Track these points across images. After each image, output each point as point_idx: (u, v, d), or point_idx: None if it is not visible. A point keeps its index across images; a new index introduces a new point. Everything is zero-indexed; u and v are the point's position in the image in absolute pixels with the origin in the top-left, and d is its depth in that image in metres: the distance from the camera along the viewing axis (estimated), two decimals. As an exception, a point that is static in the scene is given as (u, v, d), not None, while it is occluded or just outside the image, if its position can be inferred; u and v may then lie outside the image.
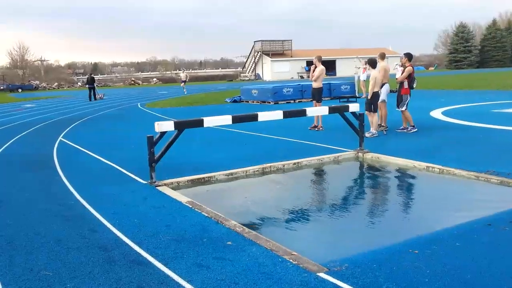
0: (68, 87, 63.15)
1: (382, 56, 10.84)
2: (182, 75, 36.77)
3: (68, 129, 14.33)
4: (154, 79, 72.97)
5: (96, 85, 33.05)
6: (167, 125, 6.48)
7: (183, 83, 35.25)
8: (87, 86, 31.98)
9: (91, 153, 9.37)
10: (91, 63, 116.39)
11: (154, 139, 6.46)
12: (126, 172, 7.38)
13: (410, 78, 10.31)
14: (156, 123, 6.41)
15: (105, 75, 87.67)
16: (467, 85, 28.43)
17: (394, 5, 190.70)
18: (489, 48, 79.96)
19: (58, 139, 11.76)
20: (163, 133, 6.48)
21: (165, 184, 6.43)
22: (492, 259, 3.62)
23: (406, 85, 10.32)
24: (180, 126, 6.60)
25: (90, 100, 29.94)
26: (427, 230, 4.42)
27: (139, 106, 23.85)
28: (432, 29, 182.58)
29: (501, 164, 6.78)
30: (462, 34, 79.24)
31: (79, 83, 67.55)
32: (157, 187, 6.28)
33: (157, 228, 4.67)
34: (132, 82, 71.63)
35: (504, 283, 3.24)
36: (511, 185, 5.81)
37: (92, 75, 33.53)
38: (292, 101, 21.22)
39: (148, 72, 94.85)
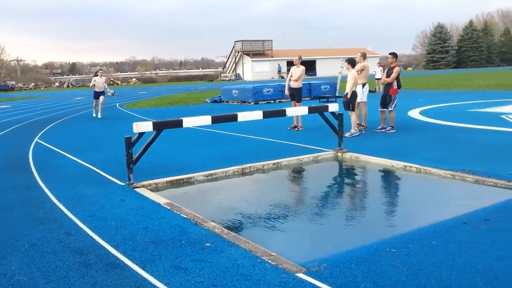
0: (45, 87, 62.01)
1: (364, 56, 10.95)
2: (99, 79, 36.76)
3: (44, 130, 14.08)
4: (133, 79, 72.21)
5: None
6: (145, 126, 6.41)
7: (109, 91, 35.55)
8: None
9: (68, 154, 9.22)
10: (69, 63, 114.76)
11: (132, 140, 6.38)
12: (103, 173, 7.27)
13: (398, 78, 10.46)
14: (134, 124, 6.33)
15: (83, 75, 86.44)
16: (445, 85, 28.91)
17: (374, 6, 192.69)
18: (466, 49, 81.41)
19: (34, 141, 11.54)
20: (141, 134, 6.40)
21: (143, 186, 6.36)
22: (468, 257, 3.67)
23: (395, 85, 10.44)
24: (158, 127, 6.53)
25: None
26: (405, 228, 4.46)
27: (117, 106, 23.58)
28: (410, 30, 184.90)
29: (476, 163, 6.90)
30: (439, 35, 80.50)
31: (56, 83, 66.43)
32: (135, 189, 6.20)
33: (134, 230, 4.61)
34: (111, 82, 70.81)
35: (480, 280, 3.28)
36: (486, 184, 5.91)
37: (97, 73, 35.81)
38: (272, 101, 21.26)
39: (127, 72, 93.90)
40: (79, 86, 62.68)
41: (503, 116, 12.34)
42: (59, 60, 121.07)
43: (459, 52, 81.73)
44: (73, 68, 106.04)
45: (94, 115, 17.37)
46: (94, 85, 17.51)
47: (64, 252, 4.11)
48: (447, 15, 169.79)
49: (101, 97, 17.30)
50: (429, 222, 4.56)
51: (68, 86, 61.73)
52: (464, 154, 7.68)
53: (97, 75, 17.78)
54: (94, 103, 17.82)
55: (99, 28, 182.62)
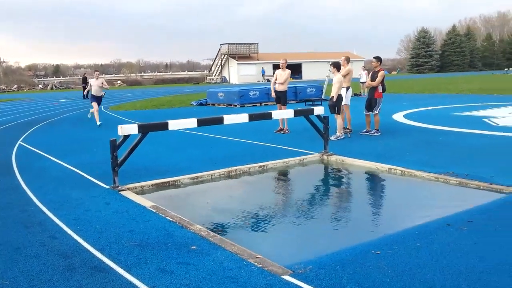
0: (28, 89, 61.23)
1: (348, 60, 11.04)
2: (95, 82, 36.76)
3: (28, 132, 13.90)
4: (119, 82, 71.66)
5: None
6: (130, 128, 6.38)
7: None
8: (82, 85, 35.12)
9: (52, 157, 9.11)
10: (53, 65, 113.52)
11: (117, 143, 6.34)
12: (88, 176, 7.21)
13: (382, 82, 10.57)
14: (119, 126, 6.29)
15: (67, 77, 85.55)
16: (428, 89, 29.26)
17: (359, 11, 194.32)
18: (449, 53, 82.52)
19: (17, 143, 11.39)
20: (126, 137, 6.36)
21: (128, 189, 6.32)
22: (451, 258, 3.73)
23: (380, 89, 10.54)
24: (144, 130, 6.50)
25: (84, 98, 31.64)
26: (389, 230, 4.50)
27: (102, 109, 23.38)
28: (395, 34, 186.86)
29: (459, 165, 7.00)
30: (423, 39, 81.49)
31: (40, 86, 65.63)
32: (120, 192, 6.16)
33: (119, 233, 4.58)
34: (83, 85, 70.05)
35: (463, 281, 3.33)
36: (469, 186, 6.00)
37: (85, 75, 37.48)
38: (258, 104, 21.30)
39: (112, 74, 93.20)
40: (63, 89, 62.03)
41: (486, 120, 12.53)
42: (43, 62, 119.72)
43: (443, 56, 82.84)
44: (57, 70, 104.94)
45: (98, 123, 14.68)
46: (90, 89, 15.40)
47: (48, 256, 4.07)
48: (431, 20, 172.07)
49: (95, 103, 14.83)
50: (413, 224, 4.61)
51: (52, 88, 61.03)
52: (448, 157, 7.78)
53: (93, 77, 15.69)
54: (94, 108, 15.08)
55: (83, 30, 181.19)
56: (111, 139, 6.32)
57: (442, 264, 3.63)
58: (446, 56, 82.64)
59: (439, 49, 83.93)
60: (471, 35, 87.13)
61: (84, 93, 33.46)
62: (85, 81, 33.92)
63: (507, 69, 61.36)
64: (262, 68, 63.33)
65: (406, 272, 3.50)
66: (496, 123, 11.82)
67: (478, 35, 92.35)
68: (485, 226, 4.43)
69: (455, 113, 14.62)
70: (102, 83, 14.71)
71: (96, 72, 15.61)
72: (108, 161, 6.50)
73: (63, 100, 32.56)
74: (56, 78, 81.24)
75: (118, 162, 6.39)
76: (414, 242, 4.08)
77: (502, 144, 8.94)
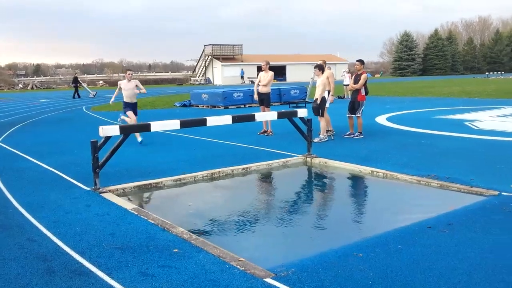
0: (8, 89, 60.18)
1: (325, 63, 11.12)
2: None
3: (7, 133, 13.65)
4: (101, 82, 70.91)
5: (79, 85, 35.64)
6: (112, 130, 6.30)
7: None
8: (72, 85, 36.17)
9: (32, 158, 8.96)
10: (33, 64, 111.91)
11: (99, 144, 6.26)
12: (68, 178, 7.10)
13: (365, 84, 10.64)
14: (100, 127, 6.21)
15: (48, 77, 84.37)
16: (411, 92, 29.59)
17: (343, 14, 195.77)
18: (431, 57, 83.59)
19: (-4, 144, 11.18)
20: (107, 138, 6.29)
21: (109, 191, 6.24)
22: (432, 261, 3.76)
23: (363, 91, 10.62)
24: (125, 131, 6.44)
25: (74, 97, 33.08)
26: (372, 233, 4.53)
27: (84, 109, 23.12)
28: (378, 37, 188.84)
29: (441, 168, 7.08)
30: (406, 43, 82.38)
31: (20, 85, 64.58)
32: (101, 194, 6.08)
33: (100, 236, 4.52)
34: (72, 85, 69.31)
35: (443, 283, 3.36)
36: (450, 189, 6.07)
37: (75, 75, 37.66)
38: (242, 106, 21.28)
39: (94, 74, 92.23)
40: (44, 88, 61.15)
41: (467, 123, 12.71)
42: (23, 61, 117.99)
43: (425, 60, 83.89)
44: (37, 70, 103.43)
45: (139, 139, 10.46)
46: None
47: (27, 259, 3.99)
48: (413, 24, 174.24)
49: (131, 113, 10.81)
50: (395, 226, 4.65)
51: (32, 88, 60.10)
52: (429, 159, 7.87)
53: (124, 79, 11.22)
54: (130, 119, 10.74)
55: (65, 29, 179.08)
56: (92, 140, 6.24)
57: (423, 266, 3.66)
58: (428, 60, 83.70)
59: (422, 52, 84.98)
60: (453, 39, 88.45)
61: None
62: (75, 81, 34.85)
63: (488, 73, 62.42)
64: (241, 69, 63.17)
65: (387, 274, 3.52)
66: (477, 127, 12.00)
67: (459, 39, 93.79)
68: (466, 229, 4.48)
69: (437, 116, 14.80)
70: (136, 85, 10.83)
71: (128, 72, 11.14)
72: (89, 163, 6.41)
73: (43, 100, 32.10)
74: (37, 78, 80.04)
75: (99, 163, 6.31)
76: (396, 245, 4.11)
77: (482, 147, 9.07)
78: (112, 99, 11.40)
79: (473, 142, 9.62)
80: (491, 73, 62.58)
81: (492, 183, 6.06)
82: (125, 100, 10.93)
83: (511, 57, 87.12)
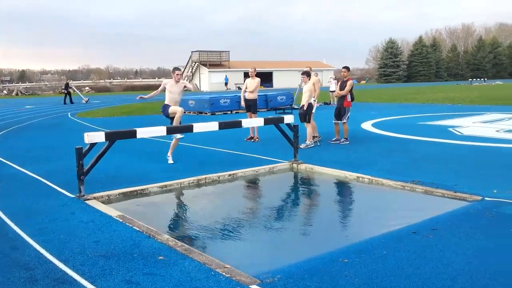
0: (-8, 95, 59.46)
1: (310, 70, 11.19)
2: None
3: (-10, 139, 13.46)
4: (87, 88, 70.34)
5: (70, 90, 35.52)
6: (97, 136, 6.25)
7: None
8: (64, 91, 35.93)
9: (15, 165, 8.84)
10: (19, 70, 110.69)
11: (83, 151, 6.20)
12: (52, 185, 7.02)
13: (351, 91, 10.73)
14: (85, 134, 6.16)
15: (33, 83, 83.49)
16: (396, 99, 29.88)
17: (329, 21, 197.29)
18: (416, 64, 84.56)
19: (-21, 151, 11.01)
20: (93, 145, 6.24)
21: (94, 198, 6.18)
22: (416, 266, 3.78)
23: (349, 98, 10.69)
24: (111, 137, 6.39)
25: (65, 103, 33.38)
26: (357, 239, 4.55)
27: (69, 116, 22.92)
28: (363, 44, 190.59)
29: (425, 173, 7.15)
30: (391, 50, 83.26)
31: (4, 91, 63.76)
32: (86, 201, 6.02)
33: (84, 244, 4.47)
34: (63, 91, 68.81)
35: (427, 288, 3.38)
36: (434, 194, 6.13)
37: (67, 81, 37.47)
38: (229, 112, 21.27)
39: (80, 80, 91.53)
40: (29, 94, 60.47)
41: (451, 129, 12.87)
42: (8, 67, 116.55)
43: (410, 66, 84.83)
44: (22, 76, 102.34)
45: (169, 157, 8.89)
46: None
47: (9, 268, 3.93)
48: (398, 31, 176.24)
49: (179, 111, 8.65)
50: (380, 232, 4.67)
51: (17, 94, 59.37)
52: (414, 165, 7.94)
53: (170, 78, 9.24)
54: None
55: (51, 35, 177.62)
56: (77, 147, 6.18)
57: (407, 271, 3.68)
58: (413, 67, 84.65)
59: (406, 59, 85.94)
60: (437, 46, 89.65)
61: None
62: (67, 87, 34.98)
63: (471, 79, 63.32)
64: (226, 76, 63.18)
65: (372, 280, 3.53)
66: (460, 133, 12.15)
67: (443, 46, 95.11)
68: (450, 234, 4.52)
69: (421, 122, 14.95)
70: (185, 86, 9.00)
71: (177, 72, 8.78)
72: (74, 170, 6.35)
73: (28, 107, 31.75)
74: (22, 84, 79.18)
75: (84, 170, 6.26)
76: (381, 250, 4.13)
77: (466, 153, 9.19)
78: (146, 96, 9.41)
79: (457, 148, 9.73)
80: (474, 79, 63.49)
81: (475, 188, 6.13)
82: (168, 103, 8.87)
83: (493, 64, 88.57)
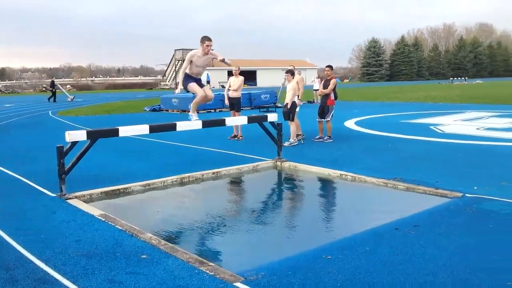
0: (-29, 93, 58.33)
1: (294, 69, 11.24)
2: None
3: (-31, 138, 13.20)
4: (68, 86, 69.43)
5: (56, 88, 35.51)
6: (78, 135, 6.17)
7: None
8: (50, 89, 36.38)
9: (-5, 164, 8.69)
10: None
11: (65, 150, 6.12)
12: (33, 184, 6.92)
13: (334, 89, 10.80)
14: (66, 133, 6.07)
15: (13, 81, 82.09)
16: (379, 97, 30.16)
17: (313, 20, 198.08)
18: (398, 63, 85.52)
19: (-43, 150, 10.79)
20: (74, 143, 6.16)
21: (76, 197, 6.11)
22: (399, 262, 3.82)
23: (332, 96, 10.76)
24: (93, 136, 6.31)
25: (49, 101, 33.43)
26: (340, 235, 4.58)
27: (50, 114, 22.60)
28: (347, 44, 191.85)
29: (407, 171, 7.22)
30: (373, 49, 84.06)
31: (-17, 89, 62.63)
32: (67, 200, 5.94)
33: (66, 243, 4.41)
34: (43, 89, 67.80)
35: (409, 283, 3.42)
36: (416, 191, 6.20)
37: (53, 80, 37.12)
38: (213, 110, 21.22)
39: (61, 78, 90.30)
40: (9, 93, 59.47)
41: (432, 127, 13.03)
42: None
43: (392, 65, 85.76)
44: (2, 74, 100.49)
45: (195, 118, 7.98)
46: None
47: (-12, 269, 3.86)
48: (381, 30, 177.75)
49: (210, 95, 7.99)
50: (363, 228, 4.71)
51: (-4, 92, 58.39)
52: (396, 163, 8.02)
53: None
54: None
55: (31, 33, 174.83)
56: (58, 145, 6.10)
57: (390, 267, 3.72)
58: (395, 66, 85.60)
59: (389, 58, 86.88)
60: (419, 46, 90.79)
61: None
62: (53, 85, 34.98)
63: (452, 78, 64.24)
64: (207, 74, 62.94)
65: (355, 276, 3.56)
66: (441, 130, 12.31)
67: (425, 45, 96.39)
68: (431, 230, 4.58)
69: (403, 121, 15.12)
70: (213, 59, 7.88)
71: (207, 43, 7.48)
72: (55, 169, 6.26)
73: (8, 105, 31.23)
74: (1, 82, 77.79)
75: (66, 169, 6.17)
76: (364, 247, 4.16)
77: (447, 150, 9.31)
78: (178, 90, 8.01)
79: (438, 146, 9.86)
80: (455, 78, 64.45)
81: (456, 185, 6.22)
82: (191, 74, 7.74)
83: (474, 64, 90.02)
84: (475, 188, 6.07)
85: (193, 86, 7.48)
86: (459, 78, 66.79)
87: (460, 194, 5.78)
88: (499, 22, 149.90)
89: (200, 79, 7.83)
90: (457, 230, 4.57)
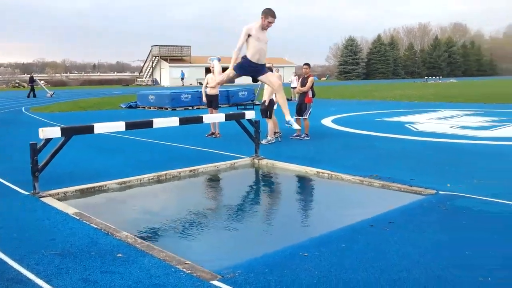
0: None
1: (272, 66, 11.28)
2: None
3: None
4: (42, 82, 68.04)
5: (35, 84, 35.51)
6: (52, 132, 6.06)
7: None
8: (28, 84, 35.91)
9: (-35, 162, 8.46)
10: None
11: (38, 147, 6.00)
12: (5, 182, 6.76)
13: (312, 87, 10.87)
14: (40, 129, 5.96)
15: (-16, 76, 79.90)
16: (355, 95, 30.47)
17: (291, 17, 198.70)
18: (374, 61, 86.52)
19: None
20: (48, 140, 6.04)
21: (50, 195, 5.99)
22: (374, 258, 3.87)
23: (310, 94, 10.81)
24: (67, 133, 6.20)
25: (28, 97, 32.93)
26: (317, 232, 4.61)
27: (23, 110, 22.11)
28: (324, 42, 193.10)
29: (383, 168, 7.33)
30: (350, 47, 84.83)
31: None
32: (41, 198, 5.83)
33: (39, 242, 4.33)
34: (17, 84, 66.25)
35: (384, 279, 3.47)
36: (391, 189, 6.29)
37: (32, 75, 37.50)
38: (190, 108, 21.11)
39: (35, 74, 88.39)
40: (-21, 88, 57.91)
41: (407, 125, 13.24)
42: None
43: (369, 64, 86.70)
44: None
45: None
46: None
47: (-43, 269, 3.76)
48: (358, 29, 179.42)
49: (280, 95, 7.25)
50: (340, 225, 4.76)
51: (-34, 88, 56.77)
52: (372, 160, 8.12)
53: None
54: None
55: (2, 26, 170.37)
56: (31, 142, 5.97)
57: (365, 264, 3.76)
58: (371, 64, 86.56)
59: (365, 57, 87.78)
60: (395, 45, 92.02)
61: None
62: (32, 81, 34.93)
63: (427, 77, 65.36)
64: (181, 71, 62.57)
65: (331, 272, 3.60)
66: (416, 129, 12.52)
67: (401, 44, 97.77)
68: (405, 227, 4.66)
69: (379, 119, 15.31)
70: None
71: (270, 19, 6.40)
72: (28, 166, 6.13)
73: (-21, 101, 30.41)
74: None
75: (39, 167, 6.05)
76: (340, 243, 4.20)
77: (421, 148, 9.47)
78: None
79: (413, 144, 10.02)
80: (430, 77, 65.57)
81: (430, 182, 6.34)
82: (251, 56, 6.44)
83: (448, 63, 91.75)
84: (449, 185, 6.19)
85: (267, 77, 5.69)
86: (433, 77, 68.00)
87: (434, 191, 5.90)
88: (472, 23, 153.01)
89: (263, 66, 6.31)
90: (430, 226, 4.66)
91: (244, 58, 6.38)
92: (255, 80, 6.56)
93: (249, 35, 6.20)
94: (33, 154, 5.96)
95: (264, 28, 6.30)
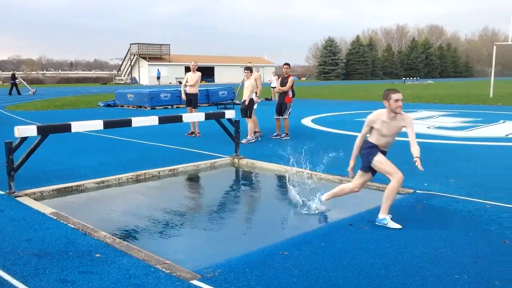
0: None
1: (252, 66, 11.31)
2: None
3: None
4: (17, 79, 66.68)
5: (17, 81, 34.98)
6: (28, 130, 5.94)
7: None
8: (10, 82, 35.32)
9: None
10: None
11: (14, 145, 5.88)
12: (-20, 182, 6.60)
13: (292, 87, 10.91)
14: (15, 128, 5.84)
15: (-43, 73, 77.92)
16: (335, 95, 30.70)
17: (271, 17, 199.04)
18: (353, 62, 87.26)
19: None
20: (24, 139, 5.92)
21: (26, 195, 5.88)
22: (353, 256, 3.92)
23: (290, 94, 10.85)
24: (43, 131, 6.10)
25: (10, 94, 32.92)
26: (297, 231, 4.63)
27: (-1, 108, 21.63)
28: (304, 42, 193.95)
29: (361, 168, 7.38)
30: (330, 48, 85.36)
31: None
32: (16, 198, 5.71)
33: (15, 243, 4.24)
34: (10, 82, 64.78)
35: (363, 277, 3.51)
36: (370, 188, 6.36)
37: (13, 72, 36.49)
38: (170, 107, 20.96)
39: (10, 71, 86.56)
40: (-48, 85, 56.43)
41: (385, 125, 13.39)
42: None
43: (348, 65, 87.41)
44: None
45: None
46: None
47: None
48: (337, 29, 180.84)
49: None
50: (319, 224, 4.80)
51: None
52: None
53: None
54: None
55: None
56: (6, 141, 5.85)
57: (344, 262, 3.80)
58: (350, 65, 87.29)
59: (344, 57, 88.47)
60: (373, 46, 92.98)
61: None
62: (14, 78, 34.58)
63: (404, 78, 66.28)
64: (158, 70, 62.12)
65: (311, 271, 3.62)
66: (394, 129, 12.67)
67: (379, 46, 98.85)
68: (384, 225, 4.71)
69: (358, 119, 15.46)
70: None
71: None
72: (3, 165, 6.00)
73: (-48, 98, 29.62)
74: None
75: (15, 166, 5.93)
76: (320, 242, 4.23)
77: (399, 148, 9.58)
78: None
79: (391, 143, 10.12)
80: (408, 78, 66.51)
81: (408, 182, 6.41)
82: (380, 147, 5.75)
83: (425, 64, 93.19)
84: (426, 184, 6.29)
85: (379, 161, 5.23)
86: (411, 78, 69.00)
87: (412, 191, 5.98)
88: (449, 25, 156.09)
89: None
90: (408, 225, 4.73)
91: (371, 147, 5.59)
92: None
93: (371, 127, 5.54)
94: (8, 153, 5.84)
95: (395, 112, 5.50)
